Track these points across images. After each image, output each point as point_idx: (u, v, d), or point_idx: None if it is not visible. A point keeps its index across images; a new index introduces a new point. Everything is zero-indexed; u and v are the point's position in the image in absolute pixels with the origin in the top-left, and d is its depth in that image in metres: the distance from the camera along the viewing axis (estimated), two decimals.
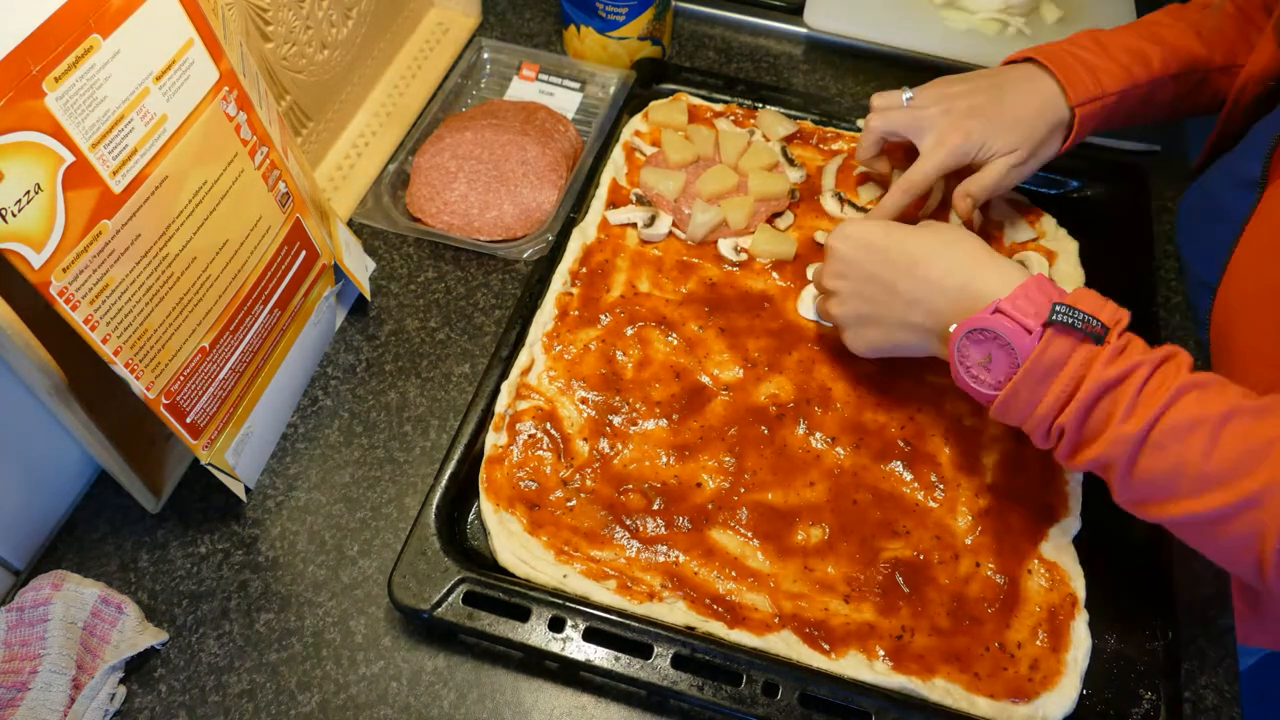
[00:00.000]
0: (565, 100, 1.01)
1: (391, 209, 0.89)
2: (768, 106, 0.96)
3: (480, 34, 1.07)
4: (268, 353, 0.71)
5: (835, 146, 0.94)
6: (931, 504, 0.72)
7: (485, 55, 1.04)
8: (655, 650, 0.63)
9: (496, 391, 0.75)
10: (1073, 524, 0.71)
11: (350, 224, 0.90)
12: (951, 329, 0.63)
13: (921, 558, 0.69)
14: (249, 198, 0.64)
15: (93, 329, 0.54)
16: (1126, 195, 0.90)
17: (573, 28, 1.02)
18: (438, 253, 0.89)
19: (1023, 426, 0.62)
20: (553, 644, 0.63)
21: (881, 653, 0.65)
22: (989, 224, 0.88)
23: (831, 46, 1.09)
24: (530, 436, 0.74)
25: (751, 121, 0.95)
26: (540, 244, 0.88)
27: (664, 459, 0.74)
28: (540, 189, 0.89)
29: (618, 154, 0.92)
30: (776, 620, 0.66)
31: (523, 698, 0.65)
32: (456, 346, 0.83)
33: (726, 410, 0.76)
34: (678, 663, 0.63)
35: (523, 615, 0.64)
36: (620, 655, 0.63)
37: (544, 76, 1.03)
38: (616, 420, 0.75)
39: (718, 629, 0.65)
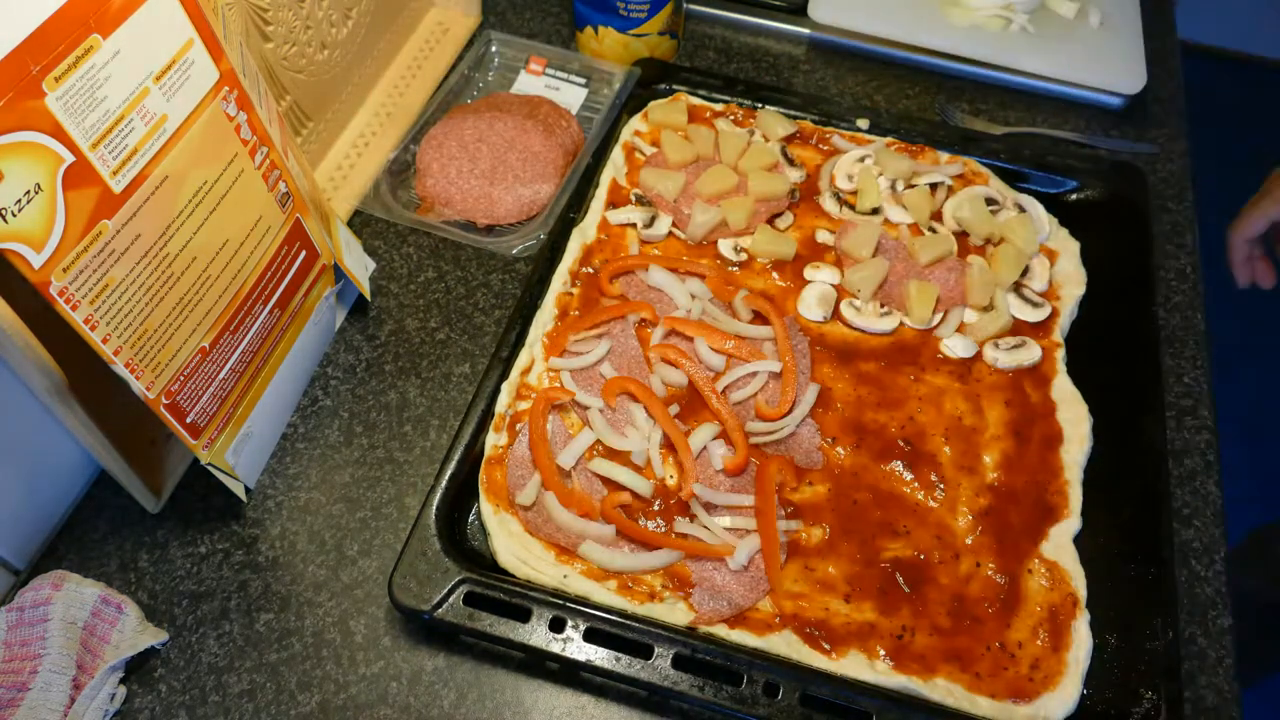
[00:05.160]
0: (571, 95, 1.01)
1: (390, 198, 0.90)
2: (767, 106, 0.96)
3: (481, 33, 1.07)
4: (268, 353, 0.71)
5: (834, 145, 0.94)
6: (932, 504, 0.72)
7: (494, 48, 1.04)
8: (656, 650, 0.63)
9: (496, 391, 0.75)
10: (1073, 524, 0.71)
11: (352, 217, 0.90)
12: None
13: (922, 557, 0.69)
14: (249, 198, 0.64)
15: (93, 329, 0.54)
16: (1126, 195, 0.90)
17: (589, 29, 1.02)
18: (438, 253, 0.89)
19: None
20: (553, 644, 0.63)
21: (882, 652, 0.65)
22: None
23: (831, 47, 1.09)
24: None
25: (751, 121, 0.95)
26: (531, 240, 0.88)
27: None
28: (538, 181, 0.89)
29: (618, 154, 0.92)
30: (777, 620, 0.66)
31: (523, 698, 0.65)
32: (456, 346, 0.83)
33: None
34: (678, 663, 0.63)
35: (523, 616, 0.64)
36: (621, 655, 0.63)
37: (551, 71, 1.03)
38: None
39: (718, 629, 0.65)
